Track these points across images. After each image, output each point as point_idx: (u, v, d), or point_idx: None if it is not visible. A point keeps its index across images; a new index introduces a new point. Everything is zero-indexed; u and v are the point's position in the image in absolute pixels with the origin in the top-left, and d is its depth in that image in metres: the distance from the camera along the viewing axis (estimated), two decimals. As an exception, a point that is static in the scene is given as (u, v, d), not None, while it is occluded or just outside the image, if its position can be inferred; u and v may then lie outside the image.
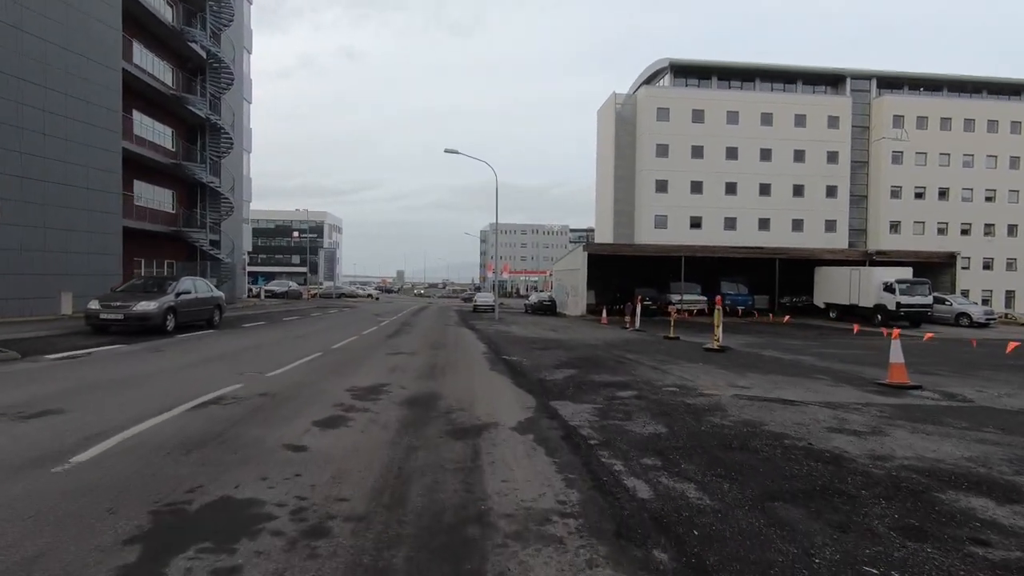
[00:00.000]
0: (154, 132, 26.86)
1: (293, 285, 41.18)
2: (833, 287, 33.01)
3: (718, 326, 14.64)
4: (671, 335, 18.22)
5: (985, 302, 44.22)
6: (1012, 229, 52.19)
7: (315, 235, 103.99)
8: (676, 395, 7.53)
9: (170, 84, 27.48)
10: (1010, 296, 51.32)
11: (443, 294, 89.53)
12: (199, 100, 27.09)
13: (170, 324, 13.61)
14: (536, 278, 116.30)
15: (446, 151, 26.61)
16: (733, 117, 50.49)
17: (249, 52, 35.88)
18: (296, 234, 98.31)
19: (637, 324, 22.86)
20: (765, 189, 50.88)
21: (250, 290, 38.49)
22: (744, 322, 29.10)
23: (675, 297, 35.10)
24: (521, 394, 7.40)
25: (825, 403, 7.31)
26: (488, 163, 27.13)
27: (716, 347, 14.34)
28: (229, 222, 33.50)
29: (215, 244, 28.93)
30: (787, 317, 32.76)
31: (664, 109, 49.94)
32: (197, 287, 15.38)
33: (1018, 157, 52.17)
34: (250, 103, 35.94)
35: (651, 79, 52.54)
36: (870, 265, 32.68)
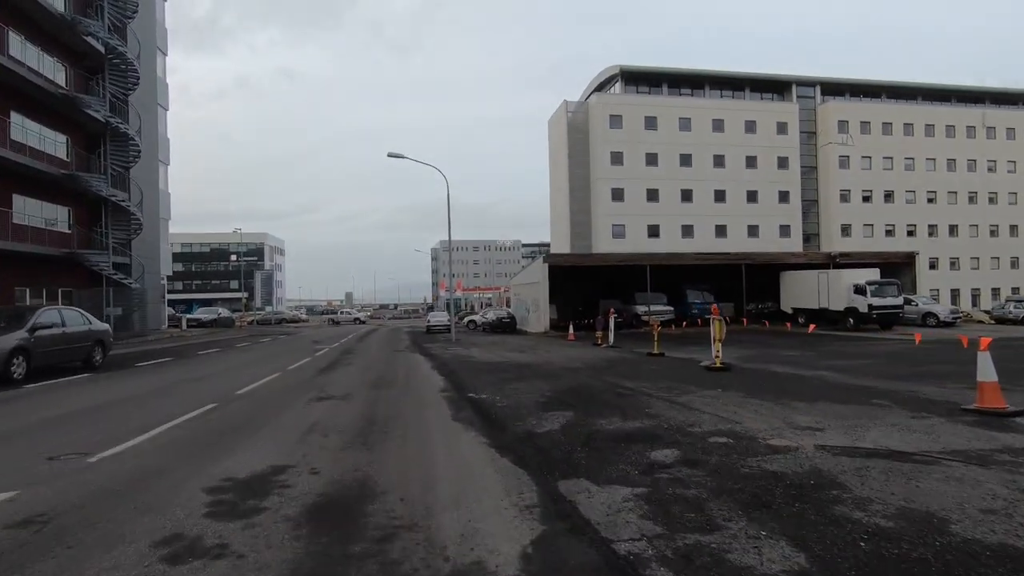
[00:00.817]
0: (41, 139, 22.83)
1: (223, 312, 36.84)
2: (800, 291, 31.82)
3: (719, 340, 12.35)
4: (656, 351, 15.91)
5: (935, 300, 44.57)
6: (953, 229, 53.52)
7: (255, 258, 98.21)
8: (738, 453, 5.00)
9: (62, 84, 23.56)
10: (957, 294, 52.39)
11: (394, 315, 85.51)
12: (96, 101, 23.26)
13: (18, 370, 10.18)
14: (490, 294, 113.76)
15: (390, 155, 23.80)
16: (686, 124, 49.79)
17: (164, 54, 32.06)
18: (234, 257, 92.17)
19: (611, 340, 20.52)
20: (720, 195, 50.24)
21: (173, 320, 34.19)
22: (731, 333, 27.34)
23: (641, 308, 33.26)
24: (508, 470, 4.68)
25: (948, 453, 4.95)
26: (437, 168, 24.50)
27: (718, 365, 12.06)
28: (146, 244, 29.39)
29: (122, 268, 24.90)
30: (766, 323, 31.34)
31: (617, 116, 48.70)
32: (67, 319, 11.92)
33: (954, 159, 53.75)
34: (167, 110, 32.03)
35: (602, 87, 51.39)
36: (834, 267, 31.74)
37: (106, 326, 13.25)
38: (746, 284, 33.76)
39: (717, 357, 12.30)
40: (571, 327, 26.08)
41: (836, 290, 29.08)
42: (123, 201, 23.91)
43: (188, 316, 34.74)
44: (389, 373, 12.11)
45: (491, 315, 36.76)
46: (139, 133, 25.44)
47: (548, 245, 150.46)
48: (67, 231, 23.30)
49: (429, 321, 35.25)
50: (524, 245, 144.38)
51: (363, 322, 54.80)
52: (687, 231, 49.23)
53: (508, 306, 77.46)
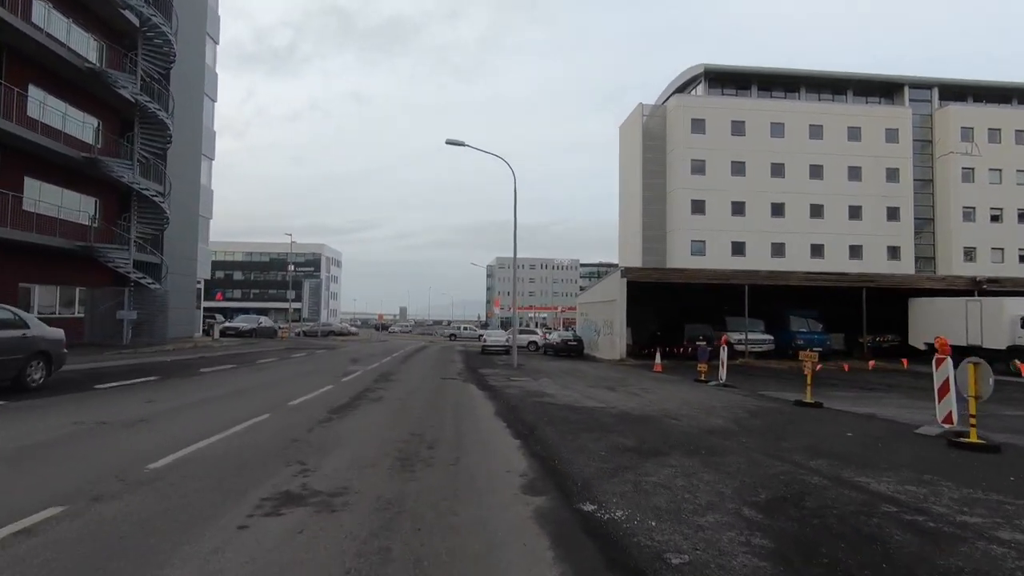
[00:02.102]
0: (64, 118, 20.42)
1: (265, 321, 34.09)
2: (939, 323, 25.67)
3: (974, 396, 7.41)
4: (808, 399, 11.07)
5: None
6: (1103, 257, 44.98)
7: (312, 268, 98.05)
8: None
9: (92, 61, 21.19)
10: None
11: (446, 332, 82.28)
12: (125, 77, 20.70)
13: None
14: (545, 314, 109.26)
15: (448, 142, 20.05)
16: (778, 129, 44.20)
17: (215, 41, 29.96)
18: (292, 267, 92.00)
19: (723, 376, 15.69)
20: (817, 211, 44.13)
21: (209, 328, 31.70)
22: (837, 369, 21.78)
23: (735, 336, 27.96)
24: None
25: None
26: (501, 157, 20.55)
27: (974, 440, 7.16)
28: (182, 244, 26.84)
29: (149, 268, 22.13)
30: (872, 363, 25.30)
31: (699, 120, 43.72)
32: (-13, 321, 8.38)
33: (1104, 174, 45.42)
34: (214, 101, 29.84)
35: (683, 88, 46.61)
36: (979, 295, 25.55)
37: (58, 333, 9.71)
38: (858, 312, 27.92)
39: (972, 426, 7.43)
40: (658, 355, 21.25)
41: (995, 323, 23.03)
42: (151, 192, 21.14)
43: (225, 325, 32.20)
44: (430, 422, 7.85)
45: (555, 336, 32.28)
46: (172, 116, 22.78)
47: (609, 265, 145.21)
48: (85, 223, 20.69)
49: (484, 340, 31.12)
50: (582, 265, 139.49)
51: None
52: (777, 250, 43.32)
53: (564, 327, 72.69)
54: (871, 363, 22.58)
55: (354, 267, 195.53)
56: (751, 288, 27.03)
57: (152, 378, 12.12)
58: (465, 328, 46.57)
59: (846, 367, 15.38)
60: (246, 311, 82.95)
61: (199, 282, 29.26)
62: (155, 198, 20.94)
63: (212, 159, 30.06)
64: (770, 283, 27.11)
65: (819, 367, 13.47)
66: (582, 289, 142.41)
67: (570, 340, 30.65)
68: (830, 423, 8.90)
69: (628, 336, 27.16)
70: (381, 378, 14.09)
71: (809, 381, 11.46)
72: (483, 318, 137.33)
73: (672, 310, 31.09)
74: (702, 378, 16.49)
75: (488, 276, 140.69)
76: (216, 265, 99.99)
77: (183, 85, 26.02)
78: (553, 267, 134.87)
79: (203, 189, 29.06)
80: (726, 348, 16.54)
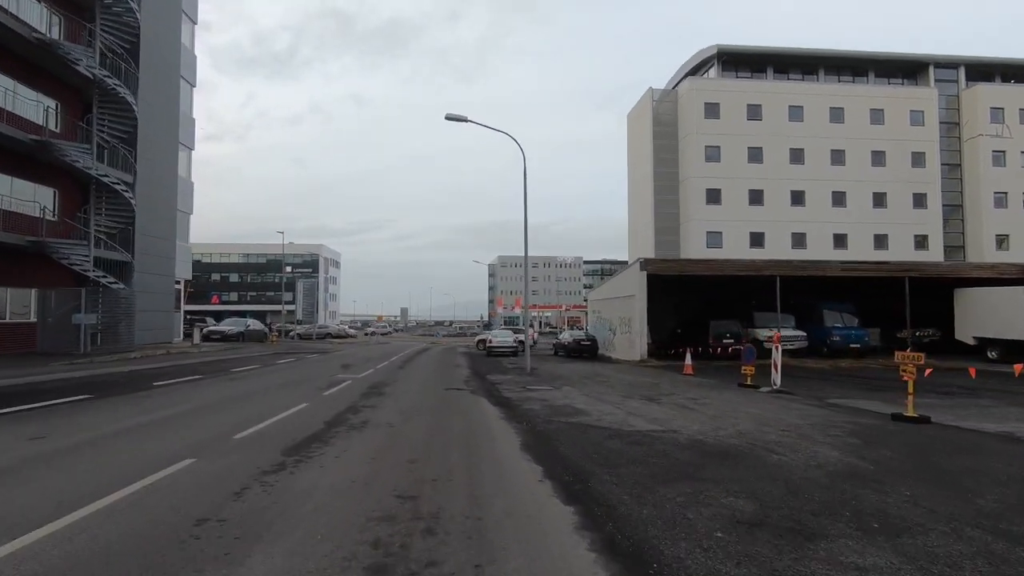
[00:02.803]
0: (15, 99, 17.96)
1: (254, 324, 31.44)
2: (991, 316, 23.23)
3: None
4: (910, 412, 8.63)
5: None
6: None
7: (309, 270, 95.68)
8: None
9: (55, 36, 18.73)
10: None
11: (447, 332, 79.91)
12: (80, 50, 18.23)
13: None
14: (549, 313, 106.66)
15: (448, 118, 17.57)
16: (796, 113, 41.68)
17: (193, 21, 27.50)
18: (289, 268, 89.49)
19: (777, 381, 13.27)
20: (839, 198, 41.60)
21: (190, 332, 29.26)
22: (881, 367, 19.26)
23: (763, 332, 25.48)
24: None
25: None
26: (507, 133, 18.08)
27: None
28: (159, 242, 24.42)
29: (113, 266, 19.69)
30: (972, 370, 22.57)
31: (713, 104, 41.21)
32: None
33: None
34: (193, 86, 27.40)
35: (696, 71, 44.07)
36: (1033, 284, 23.09)
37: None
38: (894, 305, 25.44)
39: None
40: (688, 356, 18.75)
41: (1062, 314, 20.59)
42: (113, 181, 18.66)
43: (209, 328, 29.67)
44: (430, 469, 5.34)
45: (567, 336, 29.79)
46: (136, 95, 20.31)
47: (613, 262, 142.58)
48: (36, 215, 18.21)
49: (490, 341, 28.64)
50: (586, 262, 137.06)
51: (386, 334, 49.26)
52: (798, 240, 40.82)
53: (569, 325, 70.25)
54: (971, 370, 17.90)
55: (355, 269, 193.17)
56: (769, 281, 24.60)
57: (83, 397, 9.67)
58: (460, 328, 43.63)
59: (972, 372, 12.37)
60: (242, 314, 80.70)
61: (178, 282, 26.80)
62: (119, 187, 18.45)
63: (191, 149, 27.58)
64: (804, 274, 24.60)
65: (928, 372, 11.05)
66: (586, 287, 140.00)
67: (583, 340, 28.19)
68: (985, 453, 6.42)
69: (647, 335, 24.71)
70: (372, 390, 11.62)
71: (911, 390, 8.98)
72: (486, 318, 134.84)
73: (692, 306, 28.60)
74: (748, 383, 14.07)
75: (490, 275, 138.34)
76: (211, 268, 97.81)
77: (156, 66, 23.58)
78: (557, 265, 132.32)
79: (181, 182, 26.60)
80: (779, 348, 14.07)
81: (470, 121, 17.87)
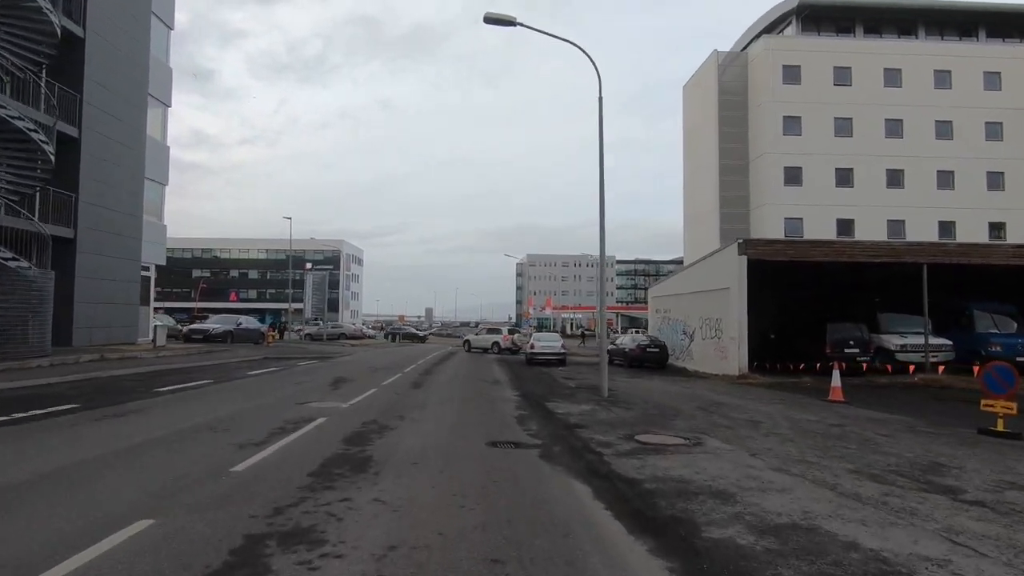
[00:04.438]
0: None
1: (246, 321, 25.64)
2: None
3: None
4: None
5: None
6: None
7: (331, 267, 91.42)
8: None
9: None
10: None
11: (476, 333, 74.28)
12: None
13: None
14: (580, 315, 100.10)
15: (488, 20, 11.81)
16: (893, 77, 34.92)
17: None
18: (309, 265, 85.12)
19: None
20: (945, 180, 34.68)
21: (173, 331, 24.05)
22: None
23: (893, 340, 19.23)
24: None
25: None
26: (575, 43, 12.25)
27: None
28: (113, 217, 19.34)
29: (16, 241, 14.46)
30: None
31: (792, 68, 34.73)
32: None
33: None
34: (170, 28, 22.25)
35: (770, 29, 37.55)
36: None
37: None
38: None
39: None
40: (837, 375, 12.56)
41: None
42: (12, 116, 13.30)
43: (191, 327, 24.46)
44: None
45: (627, 341, 23.76)
46: (79, 20, 15.01)
47: (646, 262, 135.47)
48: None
49: (532, 347, 22.82)
50: (619, 262, 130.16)
51: (422, 339, 43.74)
52: (895, 229, 34.00)
53: (597, 327, 63.95)
54: None
55: (381, 271, 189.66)
56: (904, 272, 18.30)
57: None
58: (480, 330, 37.87)
59: None
60: (260, 312, 76.43)
61: (147, 268, 21.64)
62: (19, 123, 13.06)
63: (167, 106, 22.41)
64: (961, 261, 18.18)
65: None
66: (619, 288, 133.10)
67: (650, 346, 22.22)
68: None
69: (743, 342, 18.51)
70: (346, 456, 5.92)
71: None
72: (513, 319, 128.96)
73: (786, 305, 22.43)
74: (1000, 428, 8.10)
75: (518, 275, 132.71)
76: (230, 264, 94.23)
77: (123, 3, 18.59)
78: (588, 264, 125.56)
79: (153, 144, 21.45)
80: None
81: (522, 25, 12.10)
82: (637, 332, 24.39)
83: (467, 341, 32.12)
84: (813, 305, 21.71)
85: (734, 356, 17.59)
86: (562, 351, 22.63)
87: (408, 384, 12.88)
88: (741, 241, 18.04)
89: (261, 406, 8.97)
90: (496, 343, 29.47)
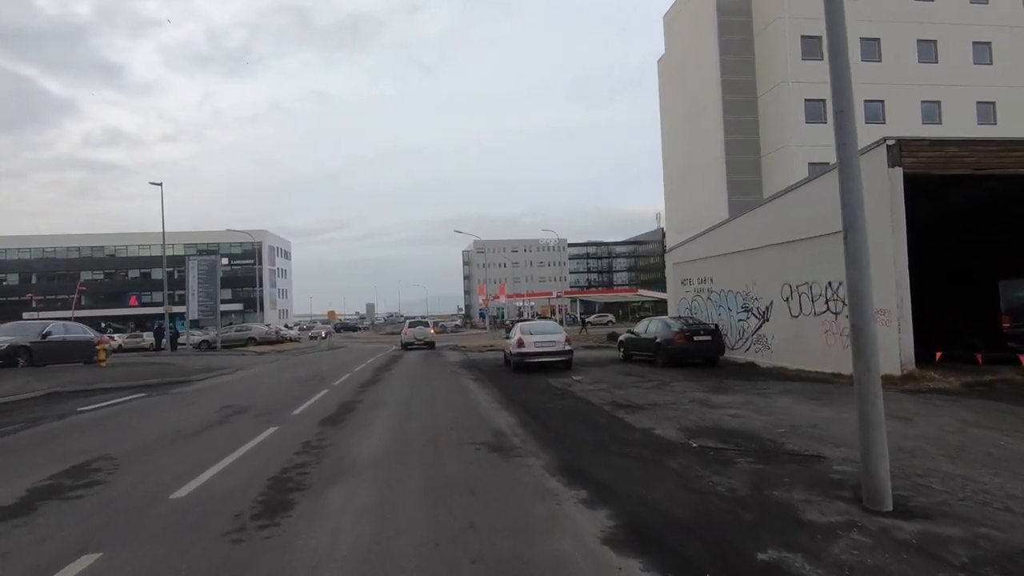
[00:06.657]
0: None
1: (56, 330, 15.87)
2: None
3: None
4: None
5: None
6: None
7: (251, 261, 79.66)
8: None
9: None
10: None
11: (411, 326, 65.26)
12: None
13: None
14: (533, 302, 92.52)
15: None
16: (926, -11, 28.71)
17: None
18: (226, 260, 73.00)
19: None
20: (986, 113, 28.87)
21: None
22: None
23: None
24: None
25: None
26: None
27: None
28: None
29: None
30: None
31: (809, -26, 27.85)
32: None
33: None
34: None
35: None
36: None
37: None
38: None
39: None
40: None
41: None
42: None
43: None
44: None
45: (658, 328, 15.58)
46: None
47: (599, 244, 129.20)
48: None
49: (521, 345, 14.41)
50: (570, 244, 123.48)
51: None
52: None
53: (551, 314, 56.09)
54: None
55: (323, 267, 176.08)
56: None
57: None
58: (414, 322, 30.55)
59: None
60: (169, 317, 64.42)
61: None
62: None
63: None
64: None
65: None
66: (572, 272, 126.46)
67: (699, 332, 14.41)
68: None
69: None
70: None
71: None
72: (462, 309, 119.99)
73: (926, 260, 15.27)
74: None
75: (465, 264, 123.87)
76: (129, 263, 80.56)
77: None
78: (539, 248, 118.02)
79: None
80: None
81: None
82: (674, 318, 16.45)
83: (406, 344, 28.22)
84: (963, 257, 14.65)
85: (896, 349, 9.98)
86: (567, 348, 14.52)
87: (332, 416, 4.42)
88: (892, 142, 10.49)
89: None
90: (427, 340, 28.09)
